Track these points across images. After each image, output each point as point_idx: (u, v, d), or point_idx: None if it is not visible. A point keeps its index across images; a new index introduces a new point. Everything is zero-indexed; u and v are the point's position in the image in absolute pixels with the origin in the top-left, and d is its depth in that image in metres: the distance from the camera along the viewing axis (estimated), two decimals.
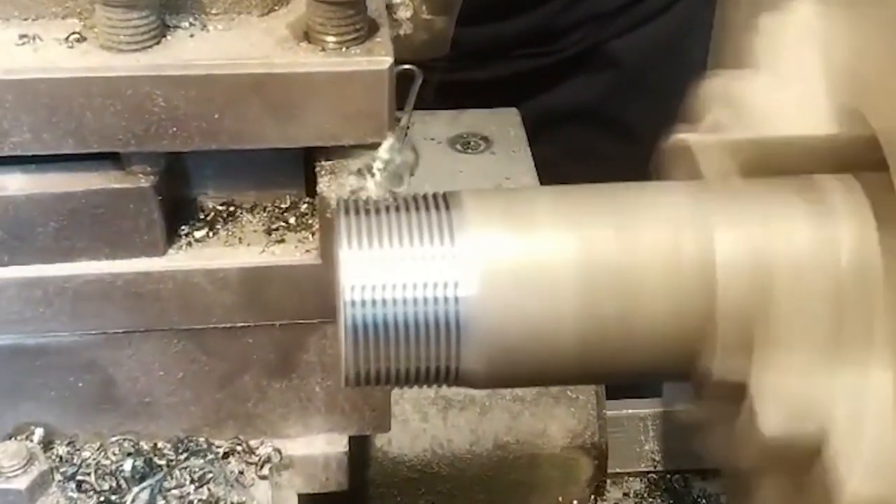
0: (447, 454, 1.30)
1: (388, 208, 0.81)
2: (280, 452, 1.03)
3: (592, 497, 1.35)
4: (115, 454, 1.00)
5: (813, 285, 0.79)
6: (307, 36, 0.89)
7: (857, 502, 0.79)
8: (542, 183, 1.54)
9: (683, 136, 0.88)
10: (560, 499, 1.35)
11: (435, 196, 0.82)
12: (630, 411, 1.38)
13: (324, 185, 0.92)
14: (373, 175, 0.93)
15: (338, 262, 0.79)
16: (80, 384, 0.99)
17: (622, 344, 0.82)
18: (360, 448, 1.28)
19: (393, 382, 0.82)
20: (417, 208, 0.81)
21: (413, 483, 1.31)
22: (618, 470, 1.37)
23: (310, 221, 0.97)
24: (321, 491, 1.06)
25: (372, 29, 0.90)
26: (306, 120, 0.89)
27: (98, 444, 1.01)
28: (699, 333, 0.81)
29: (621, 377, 0.87)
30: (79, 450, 1.00)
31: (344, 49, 0.89)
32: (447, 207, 0.81)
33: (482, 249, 0.80)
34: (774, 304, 0.79)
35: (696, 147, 0.86)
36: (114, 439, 1.00)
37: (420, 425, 1.31)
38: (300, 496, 1.06)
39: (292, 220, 0.98)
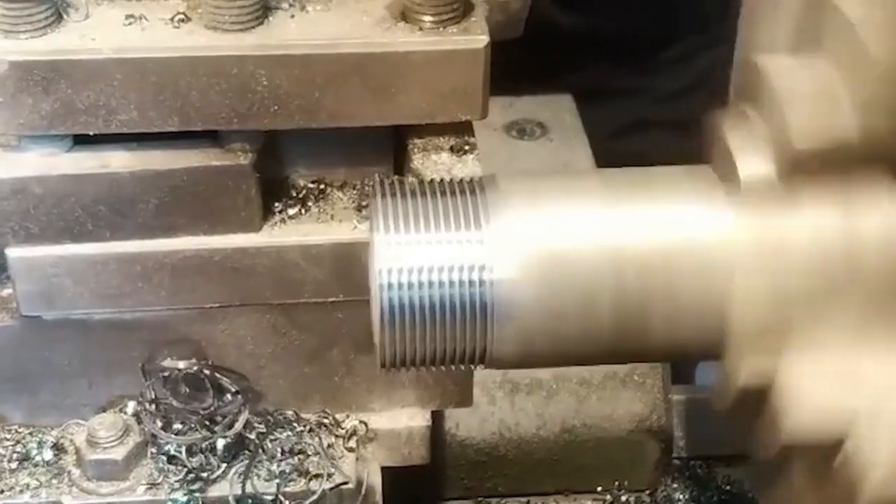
0: (514, 437, 1.30)
1: (423, 192, 0.82)
2: (366, 425, 1.06)
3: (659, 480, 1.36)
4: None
5: (839, 282, 0.80)
6: (404, 16, 0.91)
7: (884, 486, 0.80)
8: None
9: (722, 119, 0.88)
10: (626, 482, 1.35)
11: (469, 180, 0.84)
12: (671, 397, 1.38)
13: (417, 162, 0.94)
14: (466, 153, 0.95)
15: (372, 245, 0.81)
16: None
17: (655, 325, 0.83)
18: (435, 428, 1.30)
19: (427, 364, 0.84)
20: (452, 192, 0.83)
21: (480, 466, 1.32)
22: None
23: None
24: (404, 464, 1.08)
25: (468, 8, 0.92)
26: (403, 98, 0.91)
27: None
28: (729, 320, 0.83)
29: (652, 357, 0.88)
30: (171, 423, 1.02)
31: (441, 28, 0.91)
32: (482, 191, 0.83)
33: (515, 233, 0.81)
34: (799, 295, 0.81)
35: (731, 132, 0.86)
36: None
37: (488, 408, 1.31)
38: (383, 469, 1.08)
39: None
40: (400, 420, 1.07)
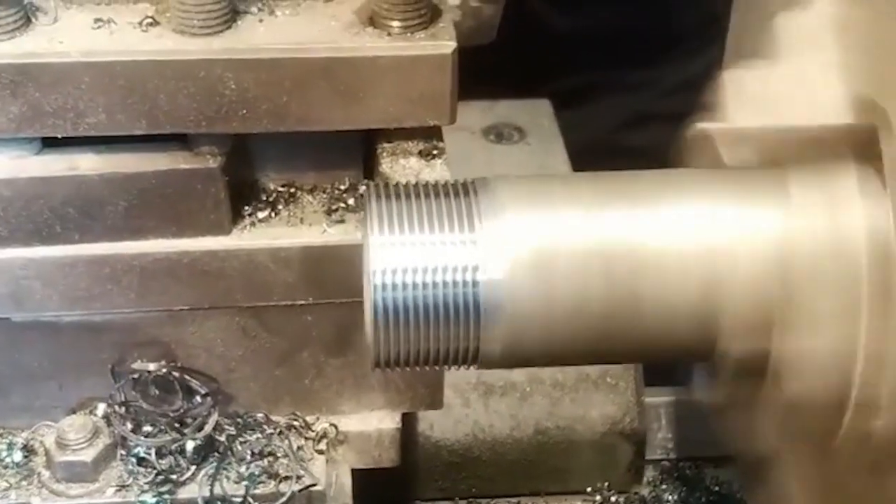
0: (488, 439, 1.31)
1: (416, 194, 0.83)
2: (336, 428, 1.06)
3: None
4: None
5: (831, 263, 0.81)
6: (373, 21, 0.92)
7: (889, 435, 0.81)
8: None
9: (704, 126, 0.90)
10: (599, 484, 1.36)
11: (463, 182, 0.84)
12: (644, 399, 1.37)
13: (385, 166, 0.94)
14: (435, 157, 0.95)
15: (366, 246, 0.81)
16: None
17: (646, 325, 0.84)
18: (407, 430, 1.30)
19: (419, 364, 0.84)
20: (446, 194, 0.83)
21: (454, 467, 1.32)
22: None
23: None
24: (374, 467, 1.09)
25: (435, 14, 0.92)
26: (371, 103, 0.92)
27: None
28: (720, 314, 0.83)
29: (643, 359, 0.89)
30: (140, 425, 1.02)
31: (409, 34, 0.91)
32: (474, 194, 0.83)
33: (508, 235, 0.82)
34: (793, 281, 0.82)
35: (717, 136, 0.88)
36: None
37: (462, 410, 1.32)
38: (353, 472, 1.08)
39: (351, 201, 1.00)
40: (370, 422, 1.07)
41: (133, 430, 1.02)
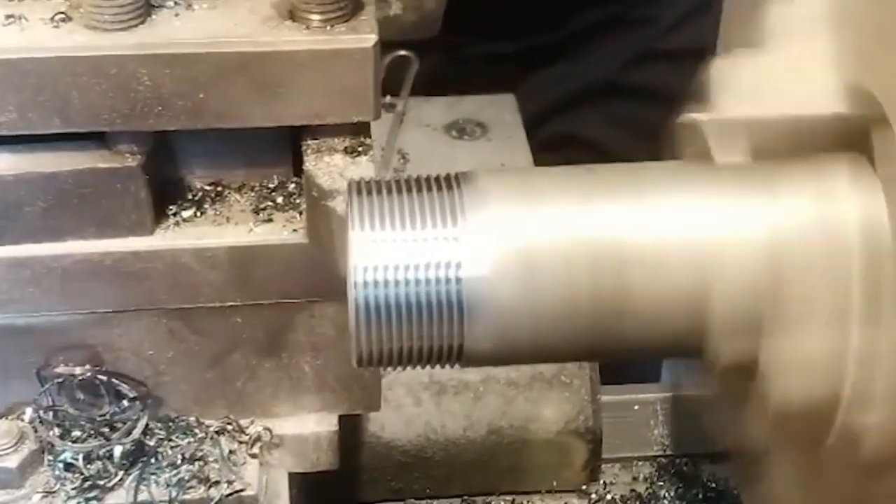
0: (441, 439, 1.30)
1: (398, 189, 0.81)
2: (270, 431, 1.04)
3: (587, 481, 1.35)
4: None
5: (822, 260, 0.80)
6: (292, 14, 0.90)
7: (886, 431, 0.80)
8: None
9: (693, 116, 0.88)
10: (554, 483, 1.34)
11: (446, 177, 0.83)
12: (639, 395, 1.38)
13: (310, 164, 0.92)
14: (360, 154, 0.93)
15: (348, 242, 0.79)
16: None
17: (634, 323, 0.82)
18: (352, 432, 1.28)
19: (402, 362, 0.83)
20: (429, 189, 0.82)
21: (407, 468, 1.31)
22: (627, 454, 1.37)
23: (297, 201, 0.97)
24: (312, 470, 1.07)
25: (357, 7, 0.90)
26: (291, 99, 0.90)
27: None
28: (709, 311, 0.82)
29: (631, 356, 0.88)
30: (70, 431, 1.00)
31: (329, 27, 0.89)
32: (457, 187, 0.82)
33: (491, 230, 0.80)
34: (783, 279, 0.80)
35: (706, 127, 0.86)
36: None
37: (414, 410, 1.31)
38: (291, 476, 1.06)
39: (280, 200, 0.98)
40: (307, 425, 1.05)
41: (61, 436, 1.00)
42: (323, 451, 1.05)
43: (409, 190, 0.81)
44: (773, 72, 0.88)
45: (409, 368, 0.85)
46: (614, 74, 1.92)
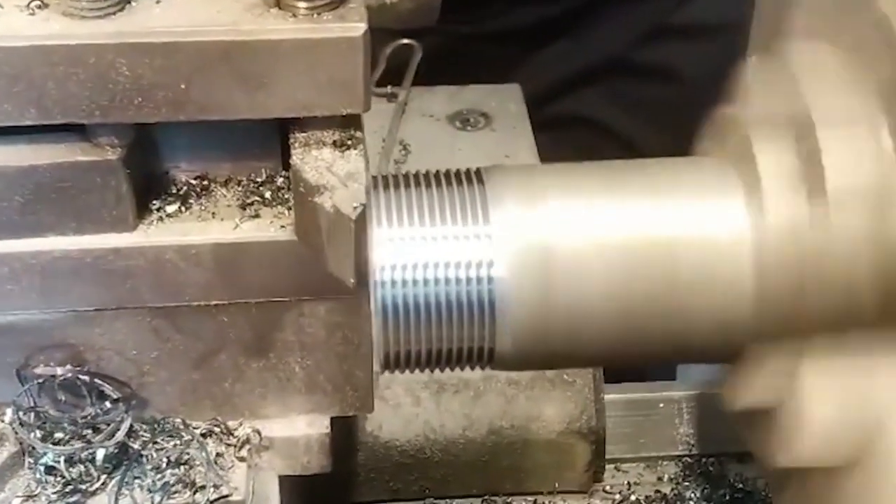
0: (440, 439, 1.28)
1: (423, 184, 0.79)
2: (259, 433, 1.00)
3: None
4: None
5: (860, 280, 0.76)
6: (278, 2, 0.86)
7: None
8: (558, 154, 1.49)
9: (729, 111, 0.84)
10: (556, 484, 1.32)
11: (476, 171, 0.80)
12: (664, 393, 1.35)
13: (297, 158, 0.88)
14: (350, 148, 0.89)
15: (370, 240, 0.77)
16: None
17: (664, 325, 0.79)
18: (348, 432, 1.26)
19: (429, 365, 0.81)
20: (458, 183, 0.79)
21: (405, 468, 1.29)
22: (652, 454, 1.35)
23: (286, 196, 0.94)
24: (303, 473, 1.03)
25: None
26: (277, 90, 0.86)
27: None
28: (749, 314, 0.78)
29: (662, 358, 0.85)
30: (52, 433, 0.97)
31: (315, 15, 0.85)
32: (482, 183, 0.79)
33: (522, 228, 0.77)
34: (821, 299, 0.77)
35: (742, 122, 0.82)
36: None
37: (412, 409, 1.29)
38: (282, 479, 1.03)
39: (268, 195, 0.94)
40: (297, 427, 1.02)
41: (42, 438, 0.96)
42: (314, 454, 1.02)
43: (435, 185, 0.79)
44: (812, 65, 0.83)
45: (436, 371, 0.83)
46: (622, 51, 1.87)
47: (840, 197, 0.76)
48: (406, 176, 0.80)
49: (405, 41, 1.73)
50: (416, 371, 0.84)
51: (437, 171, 0.80)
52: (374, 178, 0.78)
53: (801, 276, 0.77)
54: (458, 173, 0.80)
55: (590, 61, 1.88)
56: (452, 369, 0.83)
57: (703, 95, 0.89)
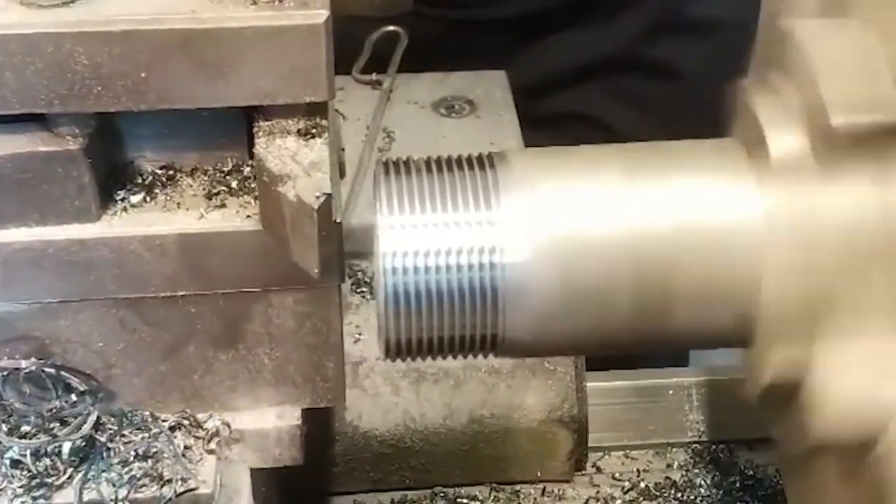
0: (420, 428, 1.27)
1: (428, 170, 0.78)
2: (229, 426, 0.99)
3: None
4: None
5: (882, 258, 0.75)
6: None
7: None
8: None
9: (749, 93, 0.82)
10: (539, 473, 1.31)
11: (479, 157, 0.79)
12: (673, 380, 1.34)
13: (260, 147, 0.87)
14: (314, 136, 0.88)
15: (376, 226, 0.76)
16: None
17: (681, 312, 0.79)
18: (326, 422, 1.25)
19: (434, 352, 0.80)
20: (460, 169, 0.78)
21: (385, 458, 1.28)
22: (662, 441, 1.33)
23: (252, 185, 0.93)
24: (274, 465, 1.02)
25: None
26: (238, 78, 0.85)
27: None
28: (760, 300, 0.77)
29: (675, 346, 0.84)
30: (17, 426, 0.96)
31: (277, 2, 0.84)
32: (493, 168, 0.78)
33: (529, 213, 0.77)
34: (840, 277, 0.76)
35: (760, 106, 0.80)
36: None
37: (392, 399, 1.27)
38: (256, 471, 1.02)
39: (234, 184, 0.93)
40: (268, 419, 1.01)
41: (8, 432, 0.95)
42: (285, 446, 1.01)
43: (440, 170, 0.78)
44: (842, 46, 0.80)
45: (439, 358, 0.82)
46: (625, 46, 1.84)
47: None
48: (413, 161, 0.79)
49: (390, 28, 1.71)
50: (419, 359, 0.83)
51: (447, 157, 0.79)
52: (381, 163, 0.78)
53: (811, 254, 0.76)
54: (468, 158, 0.79)
55: (591, 55, 1.86)
56: (455, 357, 0.82)
57: (705, 93, 0.88)
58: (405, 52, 1.70)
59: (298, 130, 0.88)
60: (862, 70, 0.78)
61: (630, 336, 0.81)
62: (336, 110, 1.58)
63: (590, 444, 1.30)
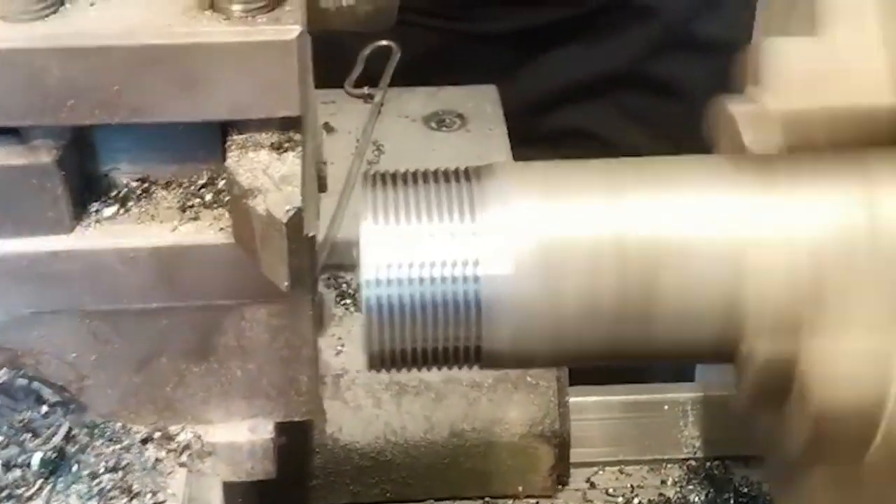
0: (401, 441, 1.26)
1: (414, 182, 0.78)
2: (200, 439, 0.99)
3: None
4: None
5: (868, 258, 0.76)
6: (213, 4, 0.85)
7: None
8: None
9: (729, 106, 0.84)
10: (520, 488, 1.31)
11: (464, 170, 0.79)
12: (668, 395, 1.34)
13: (232, 160, 0.87)
14: (287, 151, 0.88)
15: (360, 237, 0.76)
16: None
17: (663, 324, 0.79)
18: (307, 434, 1.25)
19: (418, 364, 0.80)
20: (446, 181, 0.78)
21: (366, 471, 1.28)
22: (656, 456, 1.33)
23: (226, 198, 0.93)
24: (247, 479, 1.02)
25: None
26: (211, 93, 0.85)
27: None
28: (744, 312, 0.78)
29: (658, 358, 0.85)
30: None
31: (250, 18, 0.84)
32: (476, 181, 0.78)
33: (510, 225, 0.77)
34: (827, 278, 0.76)
35: (741, 118, 0.82)
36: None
37: (373, 411, 1.27)
38: (230, 484, 1.02)
39: (208, 197, 0.94)
40: (240, 432, 1.01)
41: None
42: (258, 460, 1.01)
43: (425, 183, 0.78)
44: (817, 58, 0.83)
45: (424, 370, 0.82)
46: (629, 64, 1.84)
47: None
48: (400, 173, 0.79)
49: (383, 43, 1.72)
50: (403, 370, 0.83)
51: (432, 170, 0.80)
52: (368, 174, 0.78)
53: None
54: (454, 171, 0.79)
55: (594, 72, 1.85)
56: (439, 368, 0.82)
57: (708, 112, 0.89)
58: (406, 66, 1.70)
59: (272, 144, 0.88)
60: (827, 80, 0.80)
61: (612, 349, 0.81)
62: (327, 123, 1.61)
63: (584, 460, 1.30)
